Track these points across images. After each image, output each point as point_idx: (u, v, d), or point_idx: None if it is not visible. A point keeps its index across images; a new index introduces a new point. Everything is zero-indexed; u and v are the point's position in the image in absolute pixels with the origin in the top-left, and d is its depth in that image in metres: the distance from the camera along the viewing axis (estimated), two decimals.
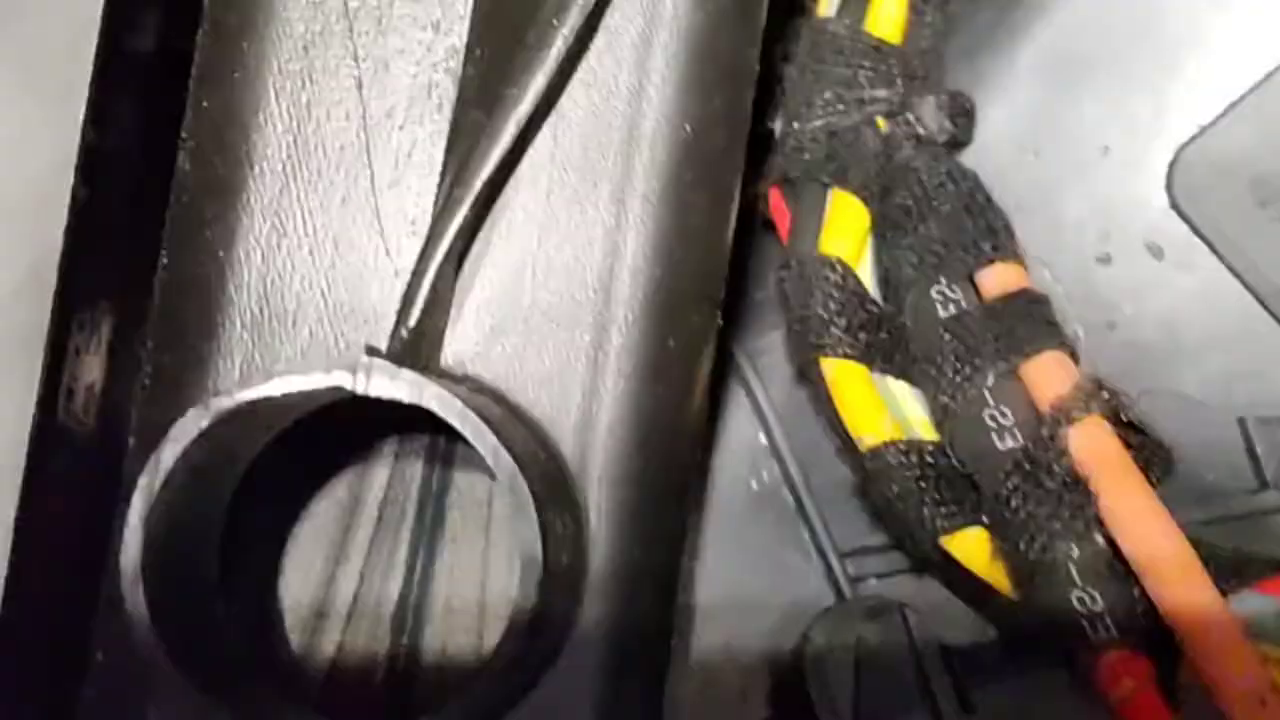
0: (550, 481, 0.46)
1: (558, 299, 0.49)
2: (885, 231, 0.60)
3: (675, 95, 0.50)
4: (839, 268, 0.57)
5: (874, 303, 0.58)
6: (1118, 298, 0.66)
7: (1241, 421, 0.65)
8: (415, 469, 0.54)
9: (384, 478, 0.55)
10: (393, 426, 0.54)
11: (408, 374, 0.43)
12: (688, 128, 0.50)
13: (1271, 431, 0.64)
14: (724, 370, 0.67)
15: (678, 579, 0.53)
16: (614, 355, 0.50)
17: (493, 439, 0.43)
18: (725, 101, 0.52)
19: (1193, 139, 0.65)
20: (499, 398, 0.48)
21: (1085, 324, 0.66)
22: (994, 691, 0.64)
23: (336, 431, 0.49)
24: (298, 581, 0.54)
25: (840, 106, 0.61)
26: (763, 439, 0.67)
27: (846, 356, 0.56)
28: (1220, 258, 0.65)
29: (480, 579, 0.55)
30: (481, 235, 0.49)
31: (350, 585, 0.54)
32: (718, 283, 0.53)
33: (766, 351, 0.67)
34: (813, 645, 0.61)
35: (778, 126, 0.63)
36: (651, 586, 0.51)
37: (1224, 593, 0.49)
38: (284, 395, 0.43)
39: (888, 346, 0.57)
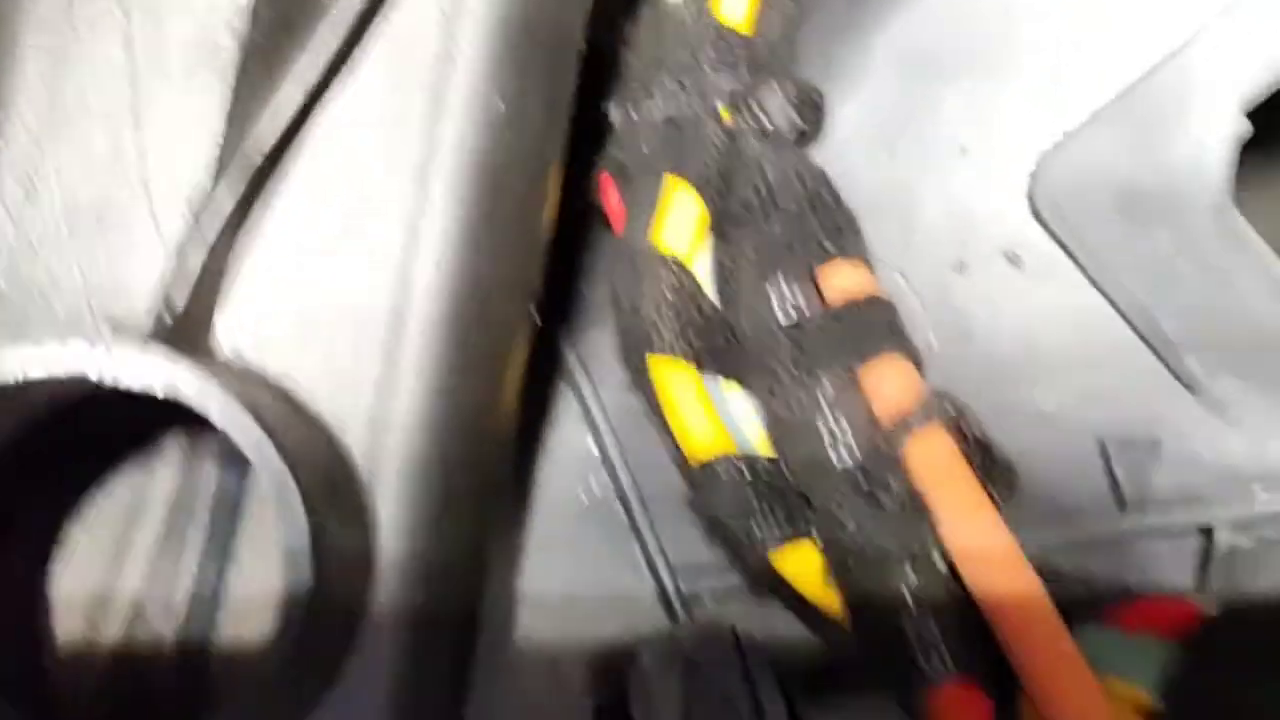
0: (328, 479, 0.42)
1: (348, 285, 0.45)
2: (725, 228, 0.56)
3: (486, 65, 0.46)
4: (673, 263, 0.53)
5: (709, 303, 0.53)
6: (974, 308, 0.63)
7: (1101, 442, 0.61)
8: (209, 464, 0.49)
9: (174, 473, 0.49)
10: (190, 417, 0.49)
11: (158, 359, 0.38)
12: (500, 102, 0.46)
13: (1129, 451, 0.61)
14: (554, 373, 0.62)
15: (482, 576, 0.50)
16: (412, 348, 0.45)
17: (257, 433, 0.38)
18: (543, 76, 0.48)
19: (1056, 146, 0.62)
20: (276, 391, 0.43)
21: (940, 334, 0.62)
22: (832, 717, 0.60)
23: (127, 423, 0.43)
24: (73, 581, 0.49)
25: (682, 95, 0.57)
26: (593, 448, 0.63)
27: (676, 355, 0.52)
28: (1082, 269, 0.62)
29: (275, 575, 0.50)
30: (261, 211, 0.44)
31: (135, 584, 0.49)
32: (534, 272, 0.49)
33: (600, 355, 0.63)
34: (639, 669, 0.56)
35: (615, 113, 0.58)
36: (451, 583, 0.47)
37: (1069, 624, 0.45)
38: (19, 375, 0.37)
39: (722, 350, 0.53)
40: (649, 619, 0.61)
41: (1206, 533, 0.61)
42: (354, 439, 0.44)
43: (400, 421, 0.45)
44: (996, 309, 0.62)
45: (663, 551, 0.62)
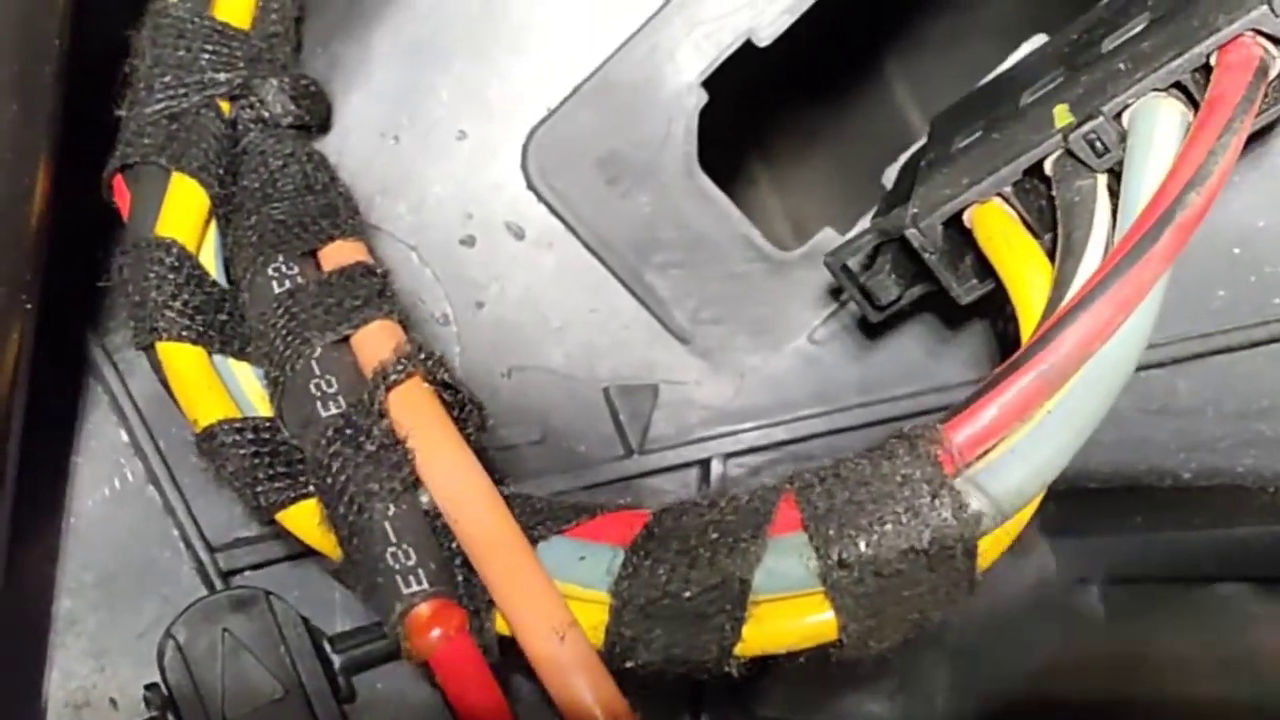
0: None
1: None
2: (230, 214, 0.59)
3: None
4: (174, 249, 0.56)
5: (214, 284, 0.56)
6: (484, 278, 0.67)
7: (606, 391, 0.67)
8: None
9: None
10: None
11: None
12: None
13: (632, 399, 0.67)
14: (80, 368, 0.64)
15: None
16: None
17: None
18: (15, 72, 0.49)
19: (542, 121, 0.67)
20: None
21: (454, 305, 0.67)
22: (376, 678, 0.63)
23: None
24: None
25: (181, 90, 0.60)
26: (124, 436, 0.65)
27: (182, 339, 0.55)
28: (576, 235, 0.67)
29: None
30: None
31: None
32: (21, 263, 0.51)
33: (127, 347, 0.65)
34: (173, 641, 0.59)
35: (121, 112, 0.60)
36: None
37: (534, 539, 0.50)
38: None
39: (229, 327, 0.56)
40: (189, 594, 0.63)
41: (704, 465, 0.67)
42: None
43: None
44: (504, 277, 0.68)
45: (199, 530, 0.64)
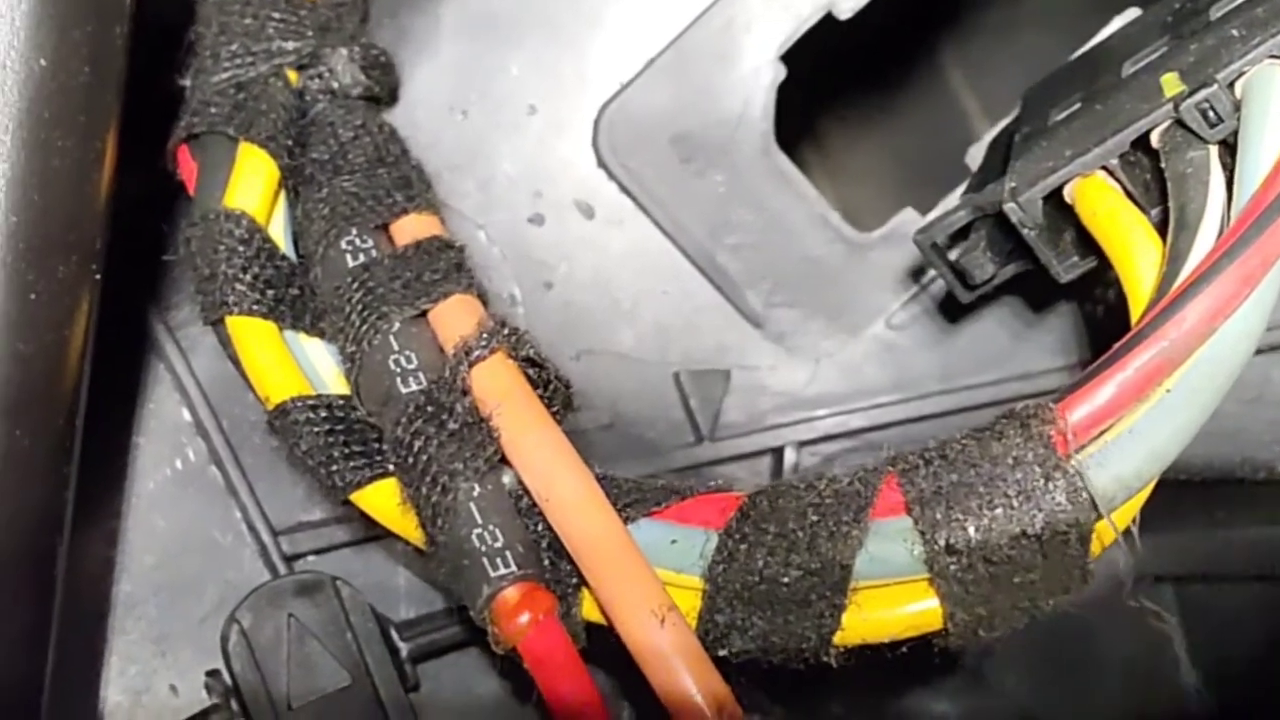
0: None
1: None
2: (299, 186, 0.57)
3: (25, 24, 0.46)
4: (244, 221, 0.54)
5: (284, 257, 0.55)
6: (552, 257, 0.66)
7: (676, 376, 0.65)
8: None
9: None
10: None
11: None
12: (42, 60, 0.46)
13: (704, 384, 0.65)
14: (142, 345, 0.62)
15: (56, 547, 0.50)
16: None
17: None
18: (88, 34, 0.48)
19: (614, 97, 0.65)
20: None
21: (522, 285, 0.65)
22: (440, 667, 0.62)
23: None
24: None
25: (248, 58, 0.58)
26: (187, 415, 0.63)
27: (253, 313, 0.53)
28: (648, 215, 0.65)
29: None
30: None
31: None
32: (92, 231, 0.49)
33: (189, 323, 0.63)
34: (238, 627, 0.57)
35: (186, 82, 0.59)
36: (21, 557, 0.48)
37: (624, 521, 0.48)
38: None
39: (299, 302, 0.54)
40: (251, 578, 0.61)
41: (777, 453, 0.65)
42: None
43: None
44: (573, 257, 0.66)
45: (263, 513, 0.63)
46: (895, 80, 0.98)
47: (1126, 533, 0.45)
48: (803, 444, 0.65)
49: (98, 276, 0.49)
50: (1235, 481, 0.63)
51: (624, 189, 0.65)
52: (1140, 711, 0.69)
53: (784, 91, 0.64)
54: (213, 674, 0.59)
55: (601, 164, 0.65)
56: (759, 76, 0.64)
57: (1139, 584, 0.69)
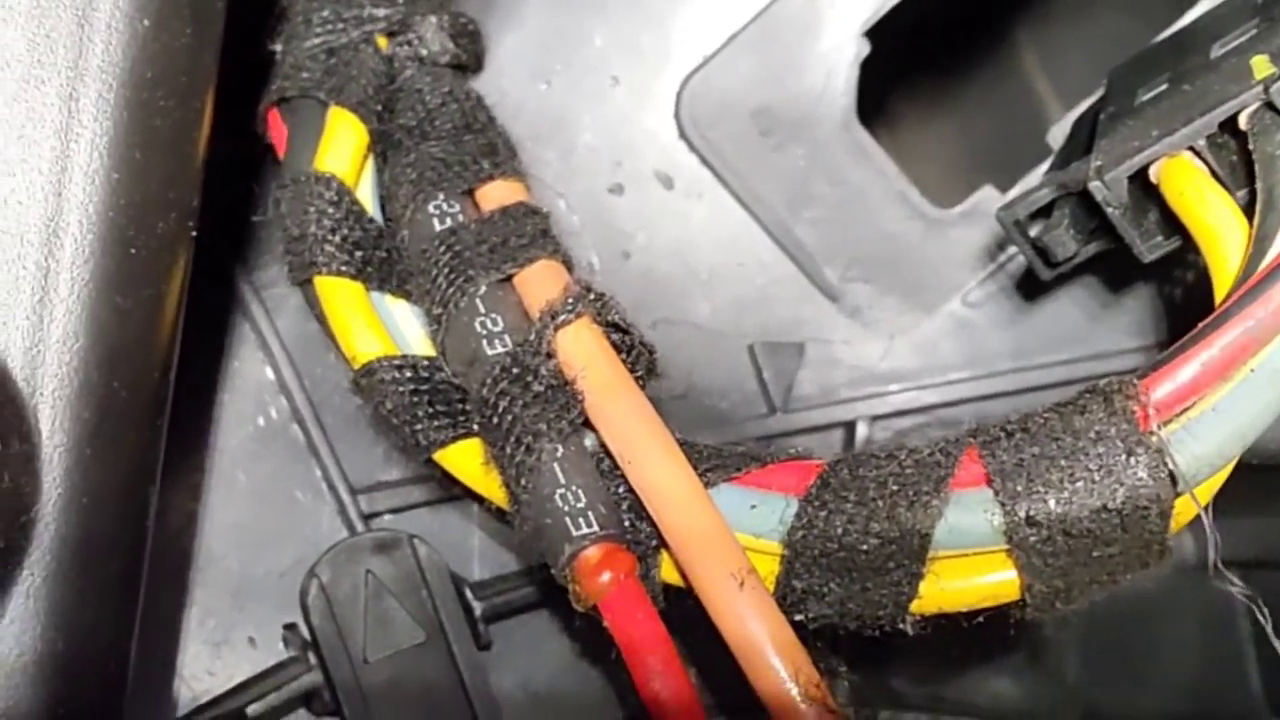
0: None
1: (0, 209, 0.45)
2: (387, 150, 0.58)
3: None
4: (334, 184, 0.55)
5: (371, 220, 0.56)
6: (631, 227, 0.66)
7: (751, 348, 0.66)
8: None
9: None
10: None
11: None
12: (145, 21, 0.47)
13: (778, 356, 0.66)
14: (228, 304, 0.64)
15: (148, 492, 0.51)
16: (67, 265, 0.46)
17: None
18: None
19: (697, 69, 0.66)
20: None
21: (600, 254, 0.66)
22: (512, 627, 0.63)
23: None
24: None
25: (340, 25, 0.59)
26: (270, 374, 0.64)
27: (341, 274, 0.54)
28: (727, 187, 0.66)
29: None
30: None
31: None
32: (189, 189, 0.50)
33: (275, 284, 0.64)
34: (317, 581, 0.58)
35: (277, 46, 0.60)
36: (116, 499, 0.48)
37: (705, 485, 0.48)
38: None
39: (386, 264, 0.55)
40: (329, 536, 0.63)
41: (849, 427, 0.66)
42: (13, 360, 0.45)
43: (58, 340, 0.46)
44: (652, 227, 0.66)
45: (342, 472, 0.64)
46: (968, 60, 0.98)
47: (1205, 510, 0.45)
48: (875, 418, 0.66)
49: (194, 234, 0.50)
50: None
51: (704, 161, 0.65)
52: (1201, 699, 0.69)
53: (865, 68, 0.64)
54: (290, 627, 0.60)
55: (682, 136, 0.65)
56: (842, 52, 0.64)
57: (1199, 570, 0.69)
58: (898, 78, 0.94)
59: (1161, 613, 0.68)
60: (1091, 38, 0.89)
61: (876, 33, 0.64)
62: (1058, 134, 0.62)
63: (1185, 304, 0.60)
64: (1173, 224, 0.51)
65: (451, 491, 0.61)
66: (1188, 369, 0.44)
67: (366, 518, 0.63)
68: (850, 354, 0.66)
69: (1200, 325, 0.44)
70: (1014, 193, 0.61)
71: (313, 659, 0.59)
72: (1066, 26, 0.95)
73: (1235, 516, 0.65)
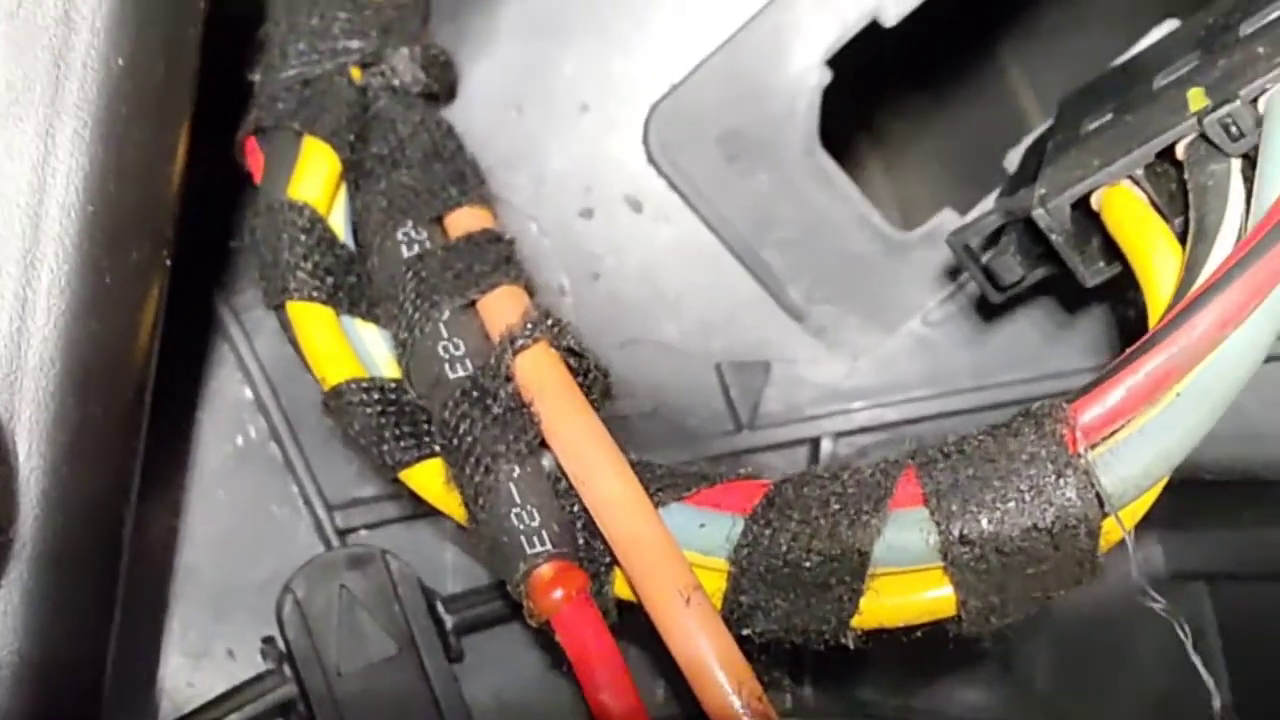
0: None
1: None
2: (359, 179, 0.60)
3: (104, 26, 0.49)
4: (307, 212, 0.57)
5: (343, 247, 0.57)
6: (601, 250, 0.68)
7: (718, 367, 0.67)
8: None
9: None
10: None
11: None
12: (120, 60, 0.49)
13: (744, 375, 0.67)
14: (208, 326, 0.66)
15: (125, 508, 0.53)
16: (44, 293, 0.48)
17: None
18: (163, 36, 0.51)
19: (665, 97, 0.67)
20: None
21: (571, 276, 0.67)
22: (484, 639, 0.64)
23: None
24: None
25: (314, 56, 0.61)
26: (249, 394, 0.66)
27: (312, 299, 0.56)
28: (694, 210, 0.68)
29: None
30: None
31: None
32: (163, 219, 0.52)
33: (253, 307, 0.66)
34: (292, 596, 0.60)
35: (254, 77, 0.62)
36: (93, 514, 0.50)
37: (655, 505, 0.50)
38: None
39: (356, 289, 0.57)
40: (306, 551, 0.64)
41: (814, 443, 0.68)
42: None
43: (35, 366, 0.48)
44: (621, 250, 0.68)
45: (319, 488, 0.66)
46: (952, 77, 0.99)
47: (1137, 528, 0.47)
48: (839, 435, 0.67)
49: (168, 262, 0.52)
50: (1260, 483, 0.64)
51: (672, 185, 0.67)
52: (1169, 710, 0.70)
53: (833, 93, 0.65)
54: (268, 640, 0.62)
55: (651, 161, 0.67)
56: (805, 79, 0.66)
57: (1169, 582, 0.70)
58: (881, 95, 0.96)
59: (1130, 624, 0.69)
60: (1078, 54, 0.90)
61: (841, 60, 0.65)
62: (1013, 159, 0.64)
63: (1138, 326, 0.61)
64: (1114, 251, 0.52)
65: (424, 508, 0.62)
66: (1115, 393, 0.45)
67: (342, 533, 0.65)
68: (815, 372, 0.68)
69: (1128, 351, 0.46)
70: (971, 216, 0.62)
71: (288, 671, 0.60)
72: (1052, 42, 0.96)
73: (1200, 530, 0.67)
